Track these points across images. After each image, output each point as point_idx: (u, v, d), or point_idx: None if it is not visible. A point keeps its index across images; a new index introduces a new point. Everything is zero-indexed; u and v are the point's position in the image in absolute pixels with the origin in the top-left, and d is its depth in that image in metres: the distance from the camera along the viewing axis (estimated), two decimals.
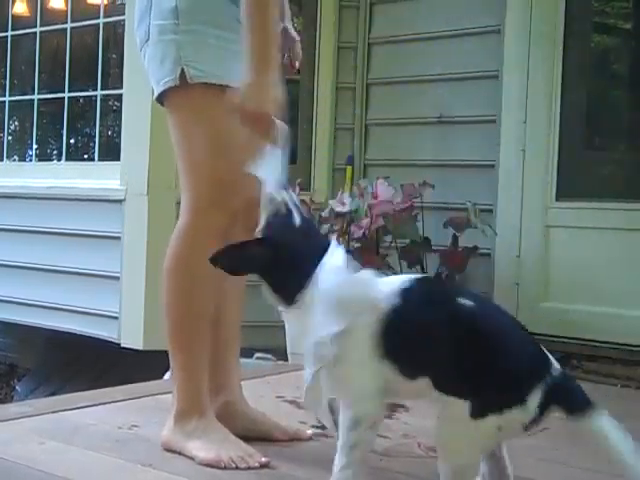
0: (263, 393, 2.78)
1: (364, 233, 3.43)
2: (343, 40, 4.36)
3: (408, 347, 1.50)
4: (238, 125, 1.91)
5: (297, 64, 2.21)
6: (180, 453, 2.02)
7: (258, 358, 3.52)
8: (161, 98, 2.06)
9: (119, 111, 4.48)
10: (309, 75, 4.38)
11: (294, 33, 2.23)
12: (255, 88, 1.87)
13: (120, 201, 4.20)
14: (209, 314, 2.10)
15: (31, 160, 5.33)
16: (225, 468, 1.92)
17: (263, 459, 1.95)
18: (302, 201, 3.37)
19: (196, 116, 2.02)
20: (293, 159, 4.33)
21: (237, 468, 1.92)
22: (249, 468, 1.92)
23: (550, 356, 1.49)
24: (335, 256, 1.63)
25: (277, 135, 1.87)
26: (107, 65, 4.78)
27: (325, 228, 3.29)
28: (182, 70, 1.95)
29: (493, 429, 1.44)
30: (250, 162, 1.80)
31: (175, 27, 1.95)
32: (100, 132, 4.80)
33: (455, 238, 3.72)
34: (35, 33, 5.00)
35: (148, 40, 2.02)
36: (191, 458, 1.99)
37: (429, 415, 2.45)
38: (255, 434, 2.14)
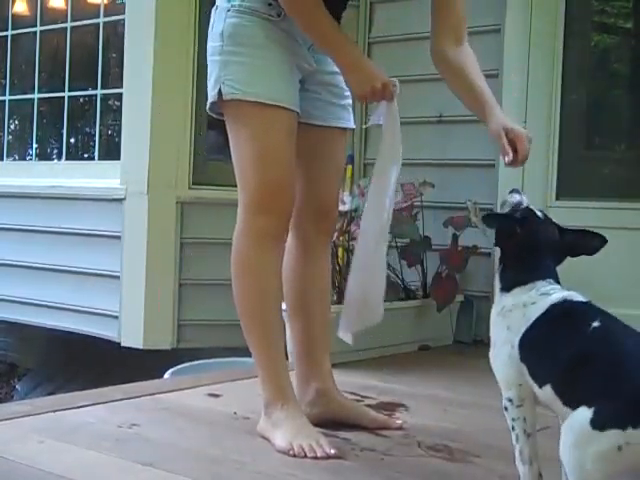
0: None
1: None
2: None
3: (539, 356, 1.59)
4: (272, 136, 2.14)
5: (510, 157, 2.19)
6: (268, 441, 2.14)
7: None
8: (212, 111, 2.25)
9: (119, 110, 4.48)
10: None
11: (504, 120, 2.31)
12: (350, 76, 2.15)
13: (120, 200, 4.20)
14: (279, 306, 2.25)
15: (31, 159, 5.33)
16: (295, 456, 2.03)
17: (332, 451, 2.04)
18: None
19: (237, 128, 2.19)
20: None
21: (305, 457, 2.02)
22: (316, 458, 2.02)
23: None
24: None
25: (393, 91, 2.17)
26: (107, 64, 4.78)
27: None
28: (220, 87, 2.14)
29: (613, 447, 1.39)
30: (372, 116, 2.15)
31: (220, 49, 2.15)
32: (100, 131, 4.80)
33: (455, 237, 3.72)
34: (35, 32, 5.00)
35: (208, 59, 2.22)
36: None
37: (429, 415, 2.46)
38: (345, 420, 2.30)
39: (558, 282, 1.69)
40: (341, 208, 3.27)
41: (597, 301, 1.65)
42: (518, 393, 1.63)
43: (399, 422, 2.36)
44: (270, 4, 2.13)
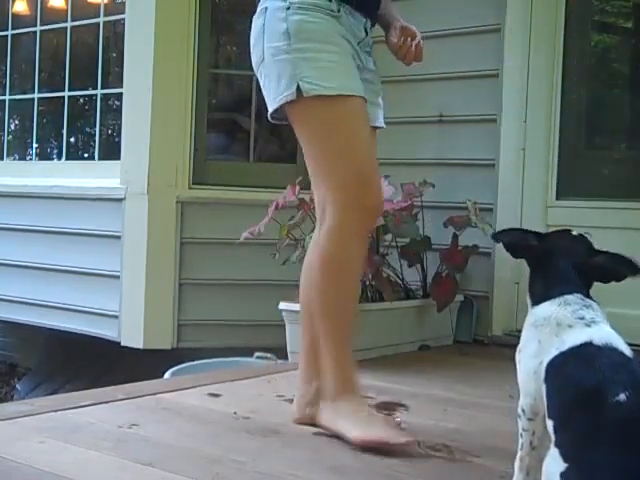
0: (263, 392, 2.78)
1: None
2: None
3: (558, 392, 1.55)
4: (361, 126, 2.18)
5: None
6: (333, 432, 2.18)
7: (258, 357, 3.53)
8: (276, 113, 2.24)
9: (119, 110, 4.48)
10: None
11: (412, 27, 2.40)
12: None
13: (120, 200, 4.20)
14: (354, 304, 2.31)
15: (31, 159, 5.33)
16: (370, 444, 2.06)
17: (404, 440, 2.09)
18: (302, 200, 3.40)
19: (318, 126, 2.20)
20: (293, 158, 4.33)
21: (377, 446, 2.06)
22: (388, 444, 2.06)
23: None
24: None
25: None
26: (107, 64, 4.78)
27: None
28: (298, 85, 2.13)
29: None
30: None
31: (287, 47, 2.14)
32: (100, 131, 4.80)
33: (455, 237, 3.72)
34: (35, 32, 5.01)
35: (263, 60, 2.21)
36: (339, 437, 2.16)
37: (429, 415, 2.46)
38: None
39: (589, 295, 1.64)
40: None
41: (598, 300, 1.64)
42: (532, 406, 1.62)
43: (397, 420, 2.37)
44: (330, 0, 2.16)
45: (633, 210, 3.64)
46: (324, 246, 2.21)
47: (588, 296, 1.64)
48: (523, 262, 1.76)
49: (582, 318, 1.58)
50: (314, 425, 2.24)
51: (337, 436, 2.19)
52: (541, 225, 3.78)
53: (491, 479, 1.96)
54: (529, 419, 1.63)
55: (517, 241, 1.74)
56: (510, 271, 3.78)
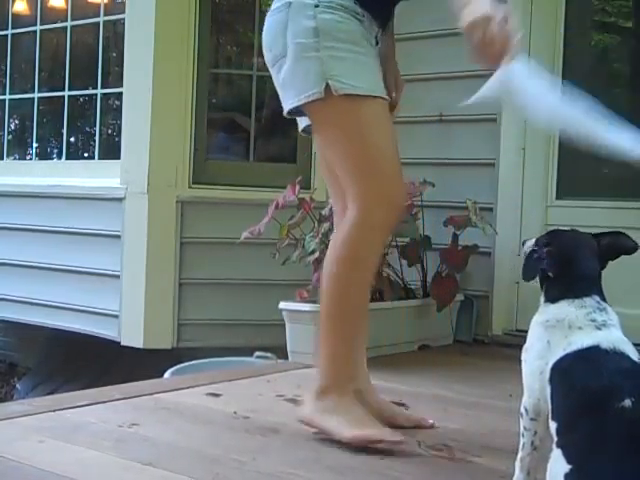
0: (263, 391, 2.78)
1: None
2: None
3: (563, 394, 1.54)
4: (386, 127, 2.21)
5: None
6: (320, 429, 2.17)
7: (258, 357, 3.53)
8: (298, 110, 2.22)
9: (119, 110, 4.48)
10: None
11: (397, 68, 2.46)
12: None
13: (120, 199, 4.20)
14: (366, 305, 2.28)
15: (31, 159, 5.33)
16: (359, 444, 2.06)
17: (397, 438, 2.09)
18: (302, 200, 3.40)
19: (347, 124, 2.19)
20: (293, 158, 4.33)
21: (367, 446, 2.06)
22: (379, 442, 2.07)
23: None
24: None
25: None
26: (107, 63, 4.78)
27: (325, 227, 3.29)
28: (327, 84, 2.12)
29: None
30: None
31: (317, 45, 2.13)
32: (100, 130, 4.80)
33: (455, 237, 3.72)
34: (35, 31, 5.01)
35: (285, 56, 2.19)
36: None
37: (429, 415, 2.45)
38: (379, 419, 2.26)
39: (604, 297, 1.62)
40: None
41: None
42: (535, 406, 1.61)
43: (431, 422, 2.37)
44: (356, 2, 2.17)
45: (633, 210, 3.64)
46: (347, 240, 2.20)
47: (604, 299, 1.62)
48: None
49: (594, 320, 1.57)
50: None
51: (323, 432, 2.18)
52: (541, 225, 3.78)
53: (491, 479, 1.96)
54: (532, 419, 1.63)
55: (535, 267, 1.69)
56: (510, 271, 3.78)
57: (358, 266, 2.21)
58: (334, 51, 2.13)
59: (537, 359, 1.61)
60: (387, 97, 2.23)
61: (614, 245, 1.70)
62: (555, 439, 1.51)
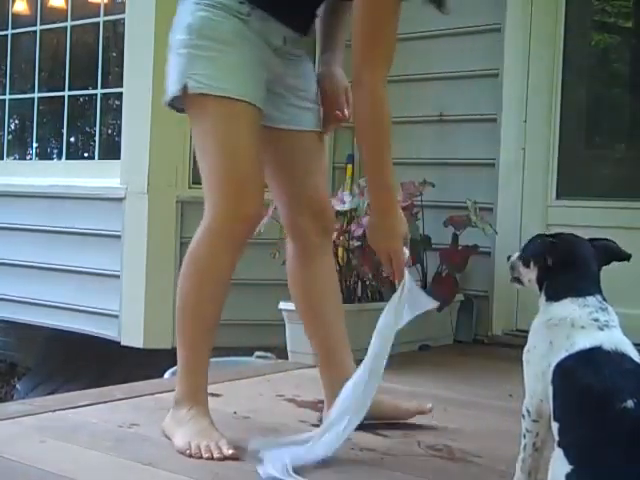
0: (263, 391, 2.78)
1: (364, 232, 3.42)
2: None
3: (565, 395, 1.54)
4: (241, 133, 2.09)
5: (347, 112, 2.29)
6: (169, 439, 2.12)
7: (258, 357, 3.53)
8: (171, 104, 2.22)
9: (119, 110, 4.48)
10: None
11: (343, 78, 2.31)
12: (381, 231, 2.15)
13: (120, 200, 4.20)
14: (216, 315, 2.20)
15: (31, 159, 5.33)
16: (191, 456, 1.99)
17: (230, 451, 2.01)
18: None
19: (202, 124, 2.14)
20: None
21: (200, 457, 1.99)
22: (211, 458, 1.98)
23: None
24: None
25: (406, 263, 2.14)
26: (107, 63, 4.78)
27: None
28: (185, 82, 2.09)
29: None
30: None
31: (187, 42, 2.10)
32: (100, 131, 4.80)
33: (455, 237, 3.72)
34: (35, 31, 5.00)
35: (170, 51, 2.19)
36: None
37: (429, 415, 2.45)
38: (379, 417, 2.26)
39: (604, 297, 1.63)
40: (341, 207, 3.28)
41: None
42: (538, 408, 1.61)
43: (429, 405, 2.36)
44: (242, 2, 2.09)
45: (633, 210, 3.64)
46: (193, 246, 2.17)
47: (605, 299, 1.62)
48: None
49: (596, 320, 1.57)
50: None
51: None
52: (541, 225, 3.78)
53: (491, 479, 1.96)
54: (534, 420, 1.62)
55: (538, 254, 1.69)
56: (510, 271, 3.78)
57: (204, 278, 2.15)
58: (202, 50, 2.09)
59: (540, 360, 1.61)
60: (254, 103, 2.10)
61: (607, 250, 1.71)
62: (557, 439, 1.51)
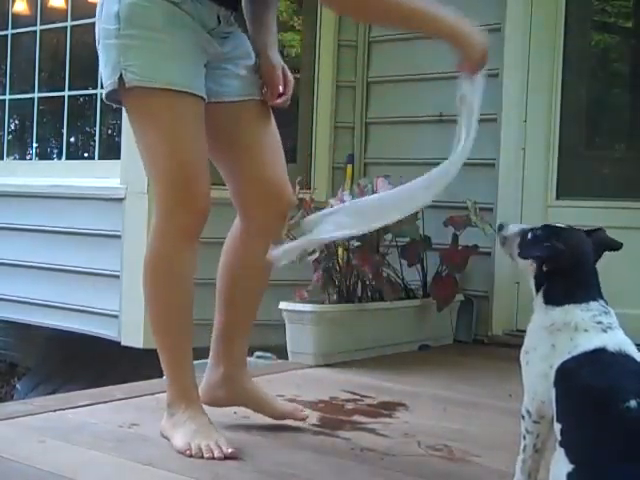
0: None
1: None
2: (343, 38, 4.36)
3: (568, 397, 1.54)
4: (184, 124, 2.02)
5: (286, 91, 2.23)
6: (169, 440, 2.11)
7: (258, 357, 3.52)
8: (110, 99, 2.12)
9: (119, 110, 4.45)
10: (309, 73, 4.37)
11: (279, 59, 2.25)
12: (470, 36, 2.20)
13: (120, 199, 4.19)
14: (187, 310, 2.22)
15: (31, 159, 5.33)
16: (191, 456, 1.99)
17: (229, 450, 2.01)
18: (302, 199, 3.40)
19: (142, 117, 2.08)
20: (293, 158, 4.33)
21: (202, 457, 1.99)
22: (212, 458, 1.98)
23: None
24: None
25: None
26: None
27: None
28: (121, 74, 2.00)
29: None
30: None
31: (117, 32, 2.01)
32: (100, 130, 4.79)
33: (455, 237, 3.72)
34: (35, 31, 5.00)
35: (99, 42, 2.11)
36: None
37: (429, 415, 2.46)
38: (245, 406, 2.30)
39: (605, 300, 1.62)
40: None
41: None
42: (538, 409, 1.60)
43: (304, 413, 2.33)
44: None
45: (633, 210, 3.64)
46: (149, 243, 2.13)
47: (606, 302, 1.62)
48: None
49: (600, 323, 1.57)
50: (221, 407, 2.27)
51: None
52: (541, 224, 3.78)
53: (491, 479, 1.96)
54: (535, 422, 1.62)
55: (552, 255, 1.67)
56: (510, 271, 3.78)
57: (164, 275, 2.13)
58: (132, 39, 1.99)
59: (541, 362, 1.60)
60: (195, 92, 2.02)
61: (603, 241, 1.71)
62: (559, 439, 1.51)
